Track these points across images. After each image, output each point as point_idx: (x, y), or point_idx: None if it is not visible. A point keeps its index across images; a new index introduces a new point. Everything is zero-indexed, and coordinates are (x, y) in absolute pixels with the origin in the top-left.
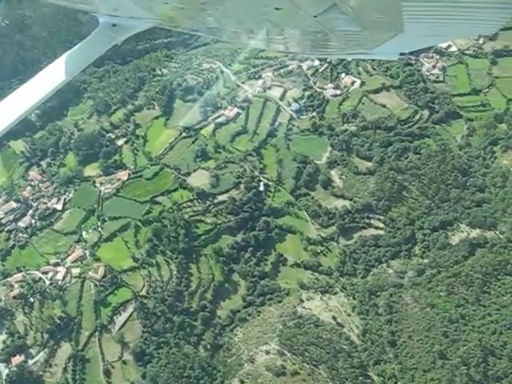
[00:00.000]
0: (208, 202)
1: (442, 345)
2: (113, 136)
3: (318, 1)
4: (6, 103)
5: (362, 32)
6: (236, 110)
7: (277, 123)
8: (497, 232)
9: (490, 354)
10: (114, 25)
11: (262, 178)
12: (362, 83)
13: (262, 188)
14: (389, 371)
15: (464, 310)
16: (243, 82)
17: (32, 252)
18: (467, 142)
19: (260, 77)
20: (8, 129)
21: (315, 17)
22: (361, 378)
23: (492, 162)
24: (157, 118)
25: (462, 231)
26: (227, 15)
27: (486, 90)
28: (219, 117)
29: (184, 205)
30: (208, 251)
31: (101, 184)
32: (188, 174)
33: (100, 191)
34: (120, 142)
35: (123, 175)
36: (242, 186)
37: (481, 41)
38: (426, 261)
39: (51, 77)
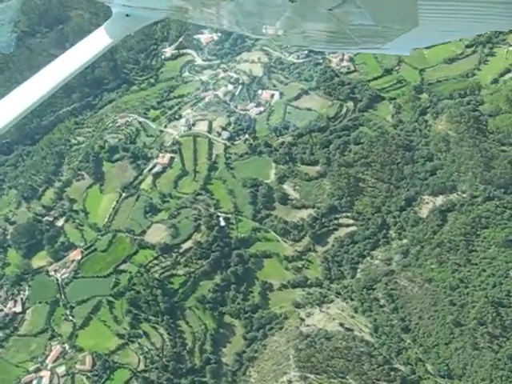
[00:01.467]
0: (174, 254)
1: (452, 314)
2: (50, 219)
3: None
4: (28, 85)
5: (375, 26)
6: (168, 155)
7: (214, 156)
8: (459, 193)
9: (499, 306)
10: (127, 15)
11: (219, 214)
12: (281, 94)
13: (223, 223)
14: (413, 357)
15: (460, 274)
16: (165, 126)
17: (5, 366)
18: (399, 120)
19: (180, 116)
20: (28, 111)
21: (330, 10)
22: (390, 373)
23: (429, 131)
24: (90, 186)
25: (427, 202)
26: (240, 7)
27: (397, 68)
28: (154, 167)
29: (151, 264)
30: (191, 303)
31: (55, 271)
32: (143, 232)
33: (57, 279)
34: (60, 223)
35: (76, 255)
36: (202, 227)
37: None
38: (405, 241)
39: (65, 65)
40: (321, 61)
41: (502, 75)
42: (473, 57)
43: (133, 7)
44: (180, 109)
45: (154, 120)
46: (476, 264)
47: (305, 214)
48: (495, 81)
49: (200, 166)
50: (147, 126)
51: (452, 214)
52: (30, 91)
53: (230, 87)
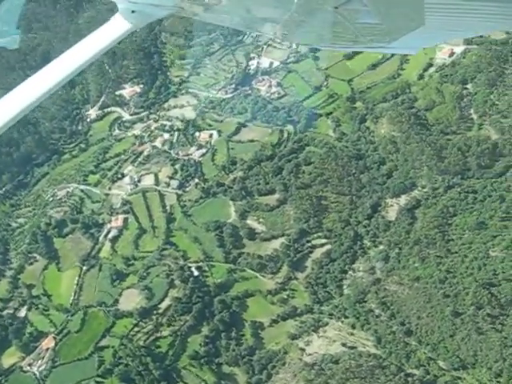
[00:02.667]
0: (154, 317)
1: (448, 305)
2: (10, 311)
3: None
4: (23, 87)
5: (381, 25)
6: (121, 216)
7: (168, 207)
8: (419, 188)
9: (490, 286)
10: (132, 11)
11: (190, 264)
12: (219, 132)
13: (196, 273)
14: (423, 357)
15: (444, 266)
16: (110, 189)
17: None
18: (341, 132)
19: (123, 175)
20: (32, 107)
21: (336, 8)
22: (407, 379)
23: (373, 137)
24: (45, 268)
25: (392, 205)
26: (245, 4)
27: (325, 84)
28: (109, 232)
29: (132, 333)
30: (185, 362)
31: (30, 365)
32: (116, 302)
33: (34, 373)
34: (23, 313)
35: (48, 343)
36: (176, 282)
37: (294, 45)
38: (381, 247)
39: (68, 63)
40: (250, 91)
41: (425, 70)
42: (393, 58)
43: (139, 4)
44: (120, 168)
45: (95, 185)
46: (456, 252)
47: (276, 244)
48: (421, 76)
49: (157, 220)
50: (90, 193)
51: (419, 211)
52: (32, 88)
53: (167, 136)
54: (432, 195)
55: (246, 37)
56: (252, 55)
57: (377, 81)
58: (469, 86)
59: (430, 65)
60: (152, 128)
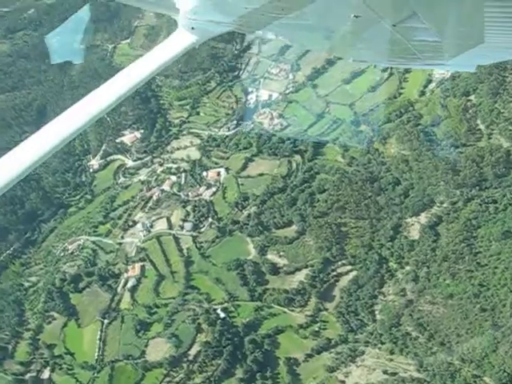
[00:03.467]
0: (185, 364)
1: (487, 319)
2: (33, 374)
3: (398, 9)
4: (86, 101)
5: (439, 42)
6: (137, 265)
7: (185, 251)
8: (438, 205)
9: None
10: (192, 28)
11: (215, 307)
12: (227, 169)
13: (222, 315)
14: (469, 376)
15: (476, 280)
16: (122, 237)
17: None
18: (351, 157)
19: (134, 222)
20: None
21: (394, 26)
22: None
23: (383, 158)
24: (65, 325)
25: (413, 224)
26: (305, 21)
27: (327, 110)
28: (127, 282)
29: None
30: None
31: None
32: (143, 353)
33: None
34: (46, 375)
35: None
36: (203, 326)
37: (291, 76)
38: (408, 268)
39: (130, 77)
40: (252, 126)
41: (425, 86)
42: (391, 79)
43: (199, 21)
44: (130, 215)
45: (107, 235)
46: (486, 264)
47: (301, 276)
48: (422, 93)
49: (175, 265)
50: (102, 244)
51: (442, 227)
52: (94, 103)
53: (174, 178)
54: (452, 210)
55: (241, 72)
56: (250, 89)
57: (378, 102)
58: (472, 97)
59: (430, 81)
60: (158, 172)
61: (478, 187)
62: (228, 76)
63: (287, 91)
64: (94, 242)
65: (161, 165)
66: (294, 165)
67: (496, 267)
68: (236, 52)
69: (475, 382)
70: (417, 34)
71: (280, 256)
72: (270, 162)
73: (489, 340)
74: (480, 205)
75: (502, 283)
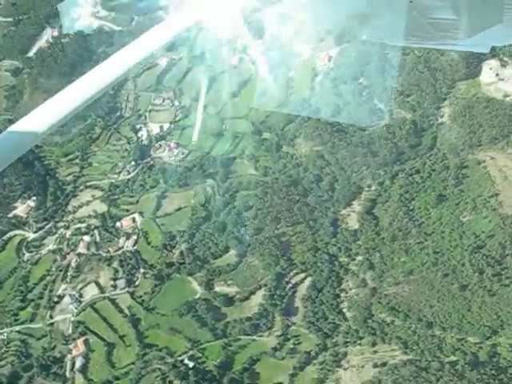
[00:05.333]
0: None
1: (452, 283)
2: None
3: None
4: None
5: (456, 21)
6: (80, 341)
7: (126, 310)
8: (366, 189)
9: (479, 248)
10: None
11: (180, 358)
12: (141, 213)
13: (191, 364)
14: (454, 342)
15: (429, 249)
16: (51, 317)
17: None
18: (264, 166)
19: (60, 296)
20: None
21: (411, 2)
22: (451, 370)
23: (297, 159)
24: None
25: (349, 214)
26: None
27: (224, 127)
28: (74, 363)
29: None
30: None
31: None
32: None
33: None
34: None
35: None
36: (175, 382)
37: (176, 102)
38: (360, 257)
39: (135, 52)
40: (152, 162)
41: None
42: None
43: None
44: (52, 290)
45: (32, 320)
46: (433, 232)
47: (258, 298)
48: (312, 88)
49: (121, 329)
50: (31, 330)
51: (378, 209)
52: (89, 84)
53: (87, 238)
54: (382, 190)
55: (123, 110)
56: (138, 126)
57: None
58: (361, 79)
59: (315, 74)
60: (67, 236)
61: (398, 162)
62: (111, 118)
63: (177, 118)
64: (19, 332)
65: (67, 228)
66: (210, 190)
67: (442, 231)
68: (112, 92)
69: (462, 345)
70: (433, 12)
71: (229, 285)
72: (184, 193)
73: (460, 302)
74: (406, 178)
75: (453, 245)
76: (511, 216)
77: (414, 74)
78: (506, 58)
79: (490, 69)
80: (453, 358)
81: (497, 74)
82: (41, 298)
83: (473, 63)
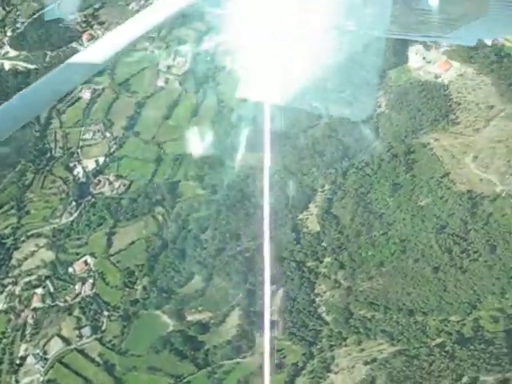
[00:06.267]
0: None
1: (424, 267)
2: None
3: None
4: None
5: (441, 13)
6: None
7: (99, 358)
8: (320, 190)
9: (443, 228)
10: None
11: None
12: (92, 254)
13: None
14: (437, 324)
15: (394, 238)
16: (17, 382)
17: None
18: (211, 185)
19: (22, 358)
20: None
21: None
22: (444, 349)
23: (243, 171)
24: None
25: (307, 217)
26: None
27: (161, 152)
28: None
29: None
30: None
31: None
32: None
33: None
34: None
35: None
36: None
37: (108, 134)
38: (328, 259)
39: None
40: (93, 199)
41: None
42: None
43: None
44: (12, 353)
45: None
46: (394, 221)
47: (233, 319)
48: None
49: (96, 379)
50: None
51: (336, 208)
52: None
53: (40, 290)
54: (336, 188)
55: (53, 151)
56: (72, 164)
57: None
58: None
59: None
60: (17, 293)
61: (346, 158)
62: (41, 161)
63: (112, 150)
64: None
65: (15, 284)
66: (160, 217)
67: (404, 219)
68: (37, 134)
69: (446, 325)
70: (419, 3)
71: (200, 312)
72: (134, 225)
73: (435, 284)
74: (357, 172)
75: (417, 229)
76: (466, 192)
77: (345, 69)
78: (428, 42)
79: (416, 54)
80: (439, 341)
81: (424, 58)
82: (1, 363)
83: (399, 50)
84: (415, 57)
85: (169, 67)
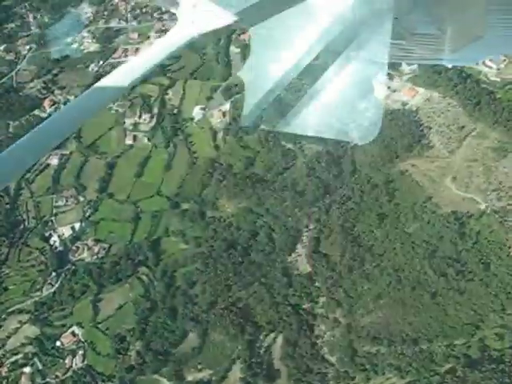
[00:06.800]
0: None
1: (421, 294)
2: None
3: (401, 2)
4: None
5: (440, 36)
6: None
7: None
8: (306, 229)
9: (434, 252)
10: (192, 21)
11: None
12: (78, 325)
13: None
14: (444, 351)
15: (388, 269)
16: None
17: None
18: (194, 237)
19: None
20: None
21: (396, 18)
22: (455, 375)
23: (225, 220)
24: None
25: (297, 259)
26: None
27: (139, 211)
28: None
29: None
30: None
31: None
32: None
33: None
34: None
35: None
36: None
37: (81, 198)
38: (323, 299)
39: (132, 71)
40: (75, 267)
41: (214, 139)
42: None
43: (198, 14)
44: None
45: None
46: (385, 251)
47: (235, 374)
48: (216, 147)
49: None
50: None
51: (324, 245)
52: (95, 96)
53: (28, 369)
54: (322, 226)
55: (26, 222)
56: (47, 234)
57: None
58: None
59: (215, 132)
60: (4, 374)
61: (327, 195)
62: (15, 233)
63: (87, 214)
64: None
65: (1, 365)
66: (145, 278)
67: (394, 248)
68: (8, 207)
69: (452, 350)
70: (418, 27)
71: (200, 370)
72: (119, 289)
73: (435, 309)
74: (340, 207)
75: (409, 257)
76: (451, 213)
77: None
78: (389, 72)
79: (380, 84)
80: (448, 366)
81: (388, 87)
82: None
83: None
84: (379, 87)
85: (135, 124)
